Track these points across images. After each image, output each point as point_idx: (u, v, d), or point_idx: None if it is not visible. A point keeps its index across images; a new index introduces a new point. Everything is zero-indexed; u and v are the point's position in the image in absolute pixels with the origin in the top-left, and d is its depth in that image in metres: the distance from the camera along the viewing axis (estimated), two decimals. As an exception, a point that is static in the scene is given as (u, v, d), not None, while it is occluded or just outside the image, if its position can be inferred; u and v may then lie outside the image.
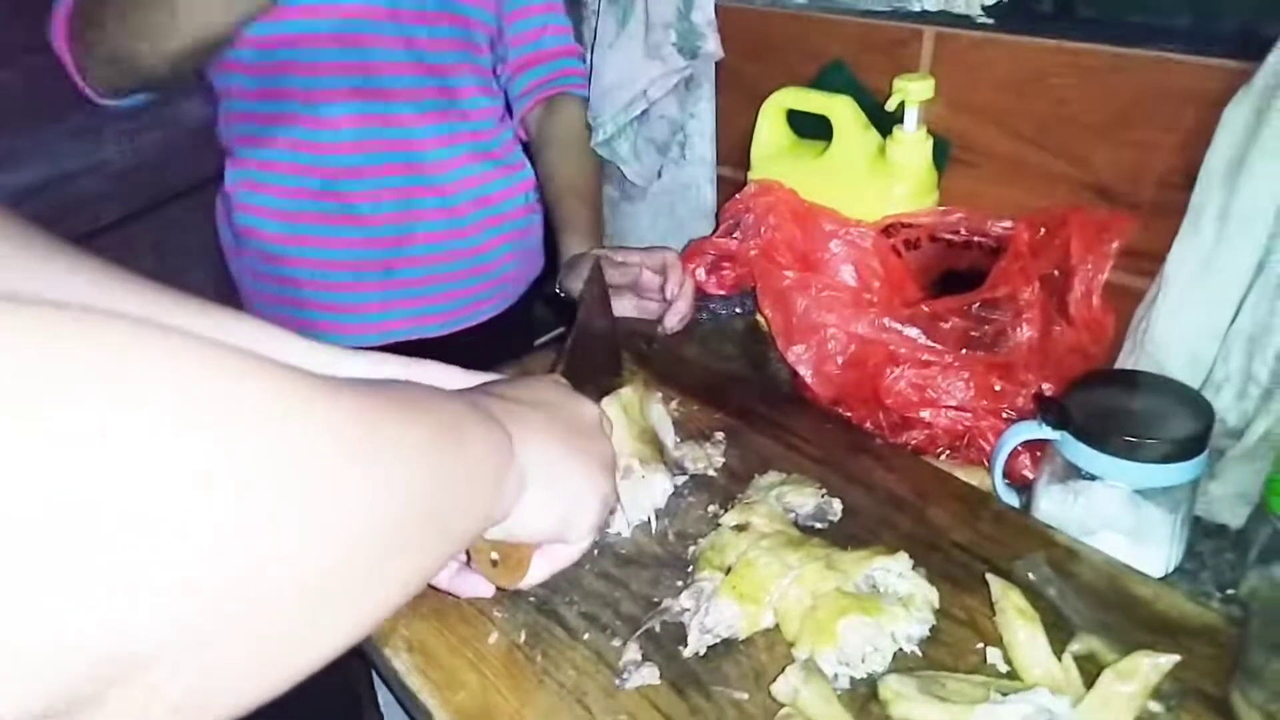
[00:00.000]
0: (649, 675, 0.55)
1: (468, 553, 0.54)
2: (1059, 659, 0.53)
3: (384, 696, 0.82)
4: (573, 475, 0.50)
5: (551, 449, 0.48)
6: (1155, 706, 0.50)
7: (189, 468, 0.23)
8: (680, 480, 0.72)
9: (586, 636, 0.59)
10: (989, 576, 0.58)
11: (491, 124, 1.08)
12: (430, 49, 0.98)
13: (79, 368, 0.21)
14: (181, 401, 0.23)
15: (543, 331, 1.31)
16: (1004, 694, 0.50)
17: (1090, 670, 0.52)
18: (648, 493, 0.68)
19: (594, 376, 0.70)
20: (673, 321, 0.92)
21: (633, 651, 0.57)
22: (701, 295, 0.96)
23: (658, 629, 0.59)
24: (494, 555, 0.52)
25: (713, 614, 0.57)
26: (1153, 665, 0.49)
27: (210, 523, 0.23)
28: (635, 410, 0.71)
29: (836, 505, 0.68)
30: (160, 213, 1.38)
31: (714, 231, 0.95)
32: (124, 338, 0.23)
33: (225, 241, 1.09)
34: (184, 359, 0.24)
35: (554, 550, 0.53)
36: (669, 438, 0.75)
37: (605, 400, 0.67)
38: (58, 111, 1.08)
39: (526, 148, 1.14)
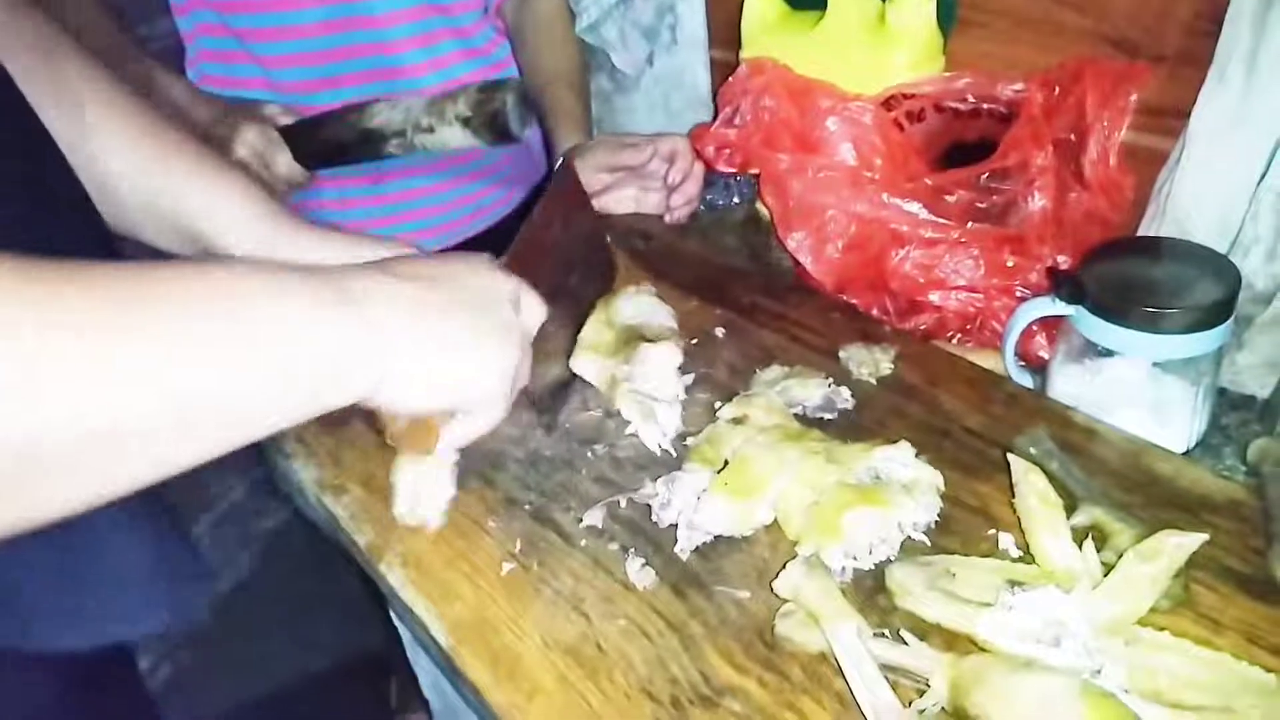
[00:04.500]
0: (647, 578, 0.53)
1: None
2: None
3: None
4: (456, 347, 0.49)
5: (425, 322, 0.48)
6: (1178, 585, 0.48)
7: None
8: (687, 378, 0.69)
9: (583, 543, 0.57)
10: (1010, 458, 0.56)
11: (474, 17, 1.02)
12: None
13: None
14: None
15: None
16: (1014, 583, 0.48)
17: (1095, 540, 0.50)
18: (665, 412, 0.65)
19: (553, 278, 0.65)
20: (679, 201, 0.89)
21: (633, 559, 0.55)
22: (711, 172, 0.92)
23: (622, 504, 0.59)
24: (399, 424, 0.54)
25: (702, 511, 0.55)
26: (1177, 545, 0.47)
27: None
28: (605, 319, 0.69)
29: (845, 393, 0.66)
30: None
31: (712, 120, 0.90)
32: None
33: None
34: None
35: (464, 420, 0.55)
36: (668, 322, 0.72)
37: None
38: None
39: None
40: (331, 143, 0.85)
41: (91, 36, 0.84)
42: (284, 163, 0.86)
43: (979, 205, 0.70)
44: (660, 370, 0.67)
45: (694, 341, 0.73)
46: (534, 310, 0.56)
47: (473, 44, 1.01)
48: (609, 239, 0.80)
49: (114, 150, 0.60)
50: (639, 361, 0.66)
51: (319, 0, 0.90)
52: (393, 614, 0.78)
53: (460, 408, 0.53)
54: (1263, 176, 0.64)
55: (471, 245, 1.05)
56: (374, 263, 0.51)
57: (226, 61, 0.94)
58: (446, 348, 0.49)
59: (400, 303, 0.47)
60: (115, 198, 0.60)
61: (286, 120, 0.88)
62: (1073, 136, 0.72)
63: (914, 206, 0.70)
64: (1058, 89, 0.73)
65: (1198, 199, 0.67)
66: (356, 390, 0.45)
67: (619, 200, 0.92)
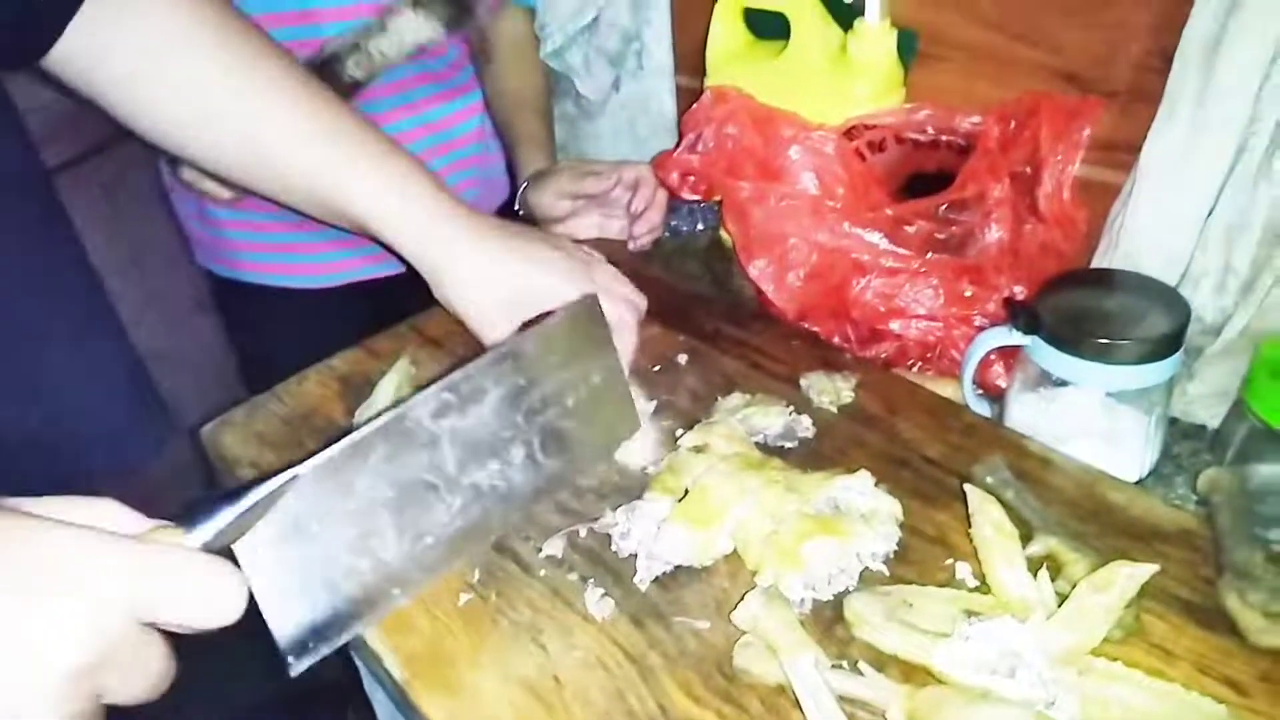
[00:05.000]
0: (605, 609, 0.53)
1: None
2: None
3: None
4: None
5: None
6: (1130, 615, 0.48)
7: None
8: (649, 405, 0.69)
9: (543, 573, 0.56)
10: (967, 488, 0.56)
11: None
12: None
13: None
14: None
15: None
16: (970, 613, 0.48)
17: (1050, 569, 0.51)
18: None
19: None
20: (641, 230, 0.89)
21: (591, 589, 0.55)
22: (674, 199, 0.92)
23: (582, 534, 0.59)
24: None
25: (661, 540, 0.55)
26: (1129, 575, 0.47)
27: None
28: None
29: (805, 421, 0.66)
30: (109, 153, 1.32)
31: (676, 146, 0.90)
32: None
33: (168, 185, 1.03)
34: None
35: None
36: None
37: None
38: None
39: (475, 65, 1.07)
40: None
41: None
42: None
43: (938, 236, 0.71)
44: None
45: (656, 369, 0.73)
46: (182, 603, 0.36)
47: (432, 68, 0.99)
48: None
49: (274, 118, 0.62)
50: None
51: (276, 21, 0.88)
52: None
53: None
54: (1211, 211, 0.66)
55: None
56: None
57: None
58: None
59: None
60: (270, 166, 0.63)
61: None
62: (1028, 169, 0.73)
63: (875, 236, 0.71)
64: (1013, 123, 0.74)
65: (1149, 232, 0.69)
66: None
67: (582, 227, 0.92)
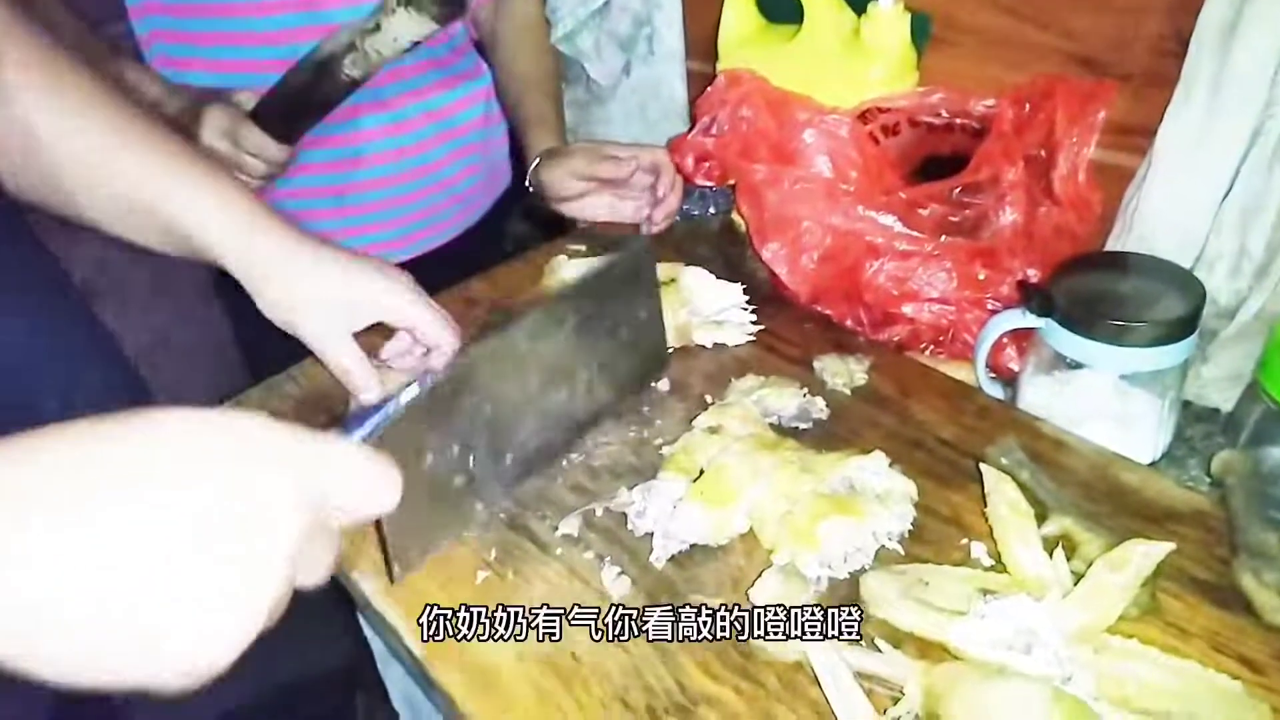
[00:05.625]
0: (622, 587, 0.53)
1: None
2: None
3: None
4: (122, 609, 0.29)
5: (64, 567, 0.28)
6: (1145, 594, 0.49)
7: None
8: (663, 385, 0.70)
9: (559, 552, 0.57)
10: (983, 468, 0.57)
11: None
12: None
13: None
14: None
15: (515, 247, 1.26)
16: (986, 592, 0.48)
17: (1065, 549, 0.51)
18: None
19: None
20: (661, 215, 0.89)
21: (609, 567, 0.55)
22: (689, 185, 0.92)
23: (598, 513, 0.59)
24: None
25: (678, 519, 0.55)
26: (1144, 554, 0.48)
27: None
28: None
29: (820, 403, 0.66)
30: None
31: (689, 130, 0.90)
32: None
33: None
34: None
35: None
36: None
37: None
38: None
39: (481, 50, 1.07)
40: (292, 94, 0.81)
41: (60, 37, 0.83)
42: (253, 138, 0.81)
43: (951, 219, 0.71)
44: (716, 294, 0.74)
45: (669, 350, 0.73)
46: (355, 486, 0.37)
47: (435, 55, 0.99)
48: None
49: (76, 132, 0.57)
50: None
51: (278, 8, 0.88)
52: (364, 624, 0.77)
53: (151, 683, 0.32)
54: (1226, 194, 0.66)
55: (432, 257, 1.03)
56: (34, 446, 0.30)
57: (181, 69, 0.92)
58: (98, 603, 0.29)
59: (20, 528, 0.28)
60: (96, 190, 0.58)
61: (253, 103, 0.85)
62: (1042, 152, 0.73)
63: (888, 219, 0.71)
64: (1028, 106, 0.74)
65: (1163, 215, 0.69)
66: None
67: (593, 207, 0.91)
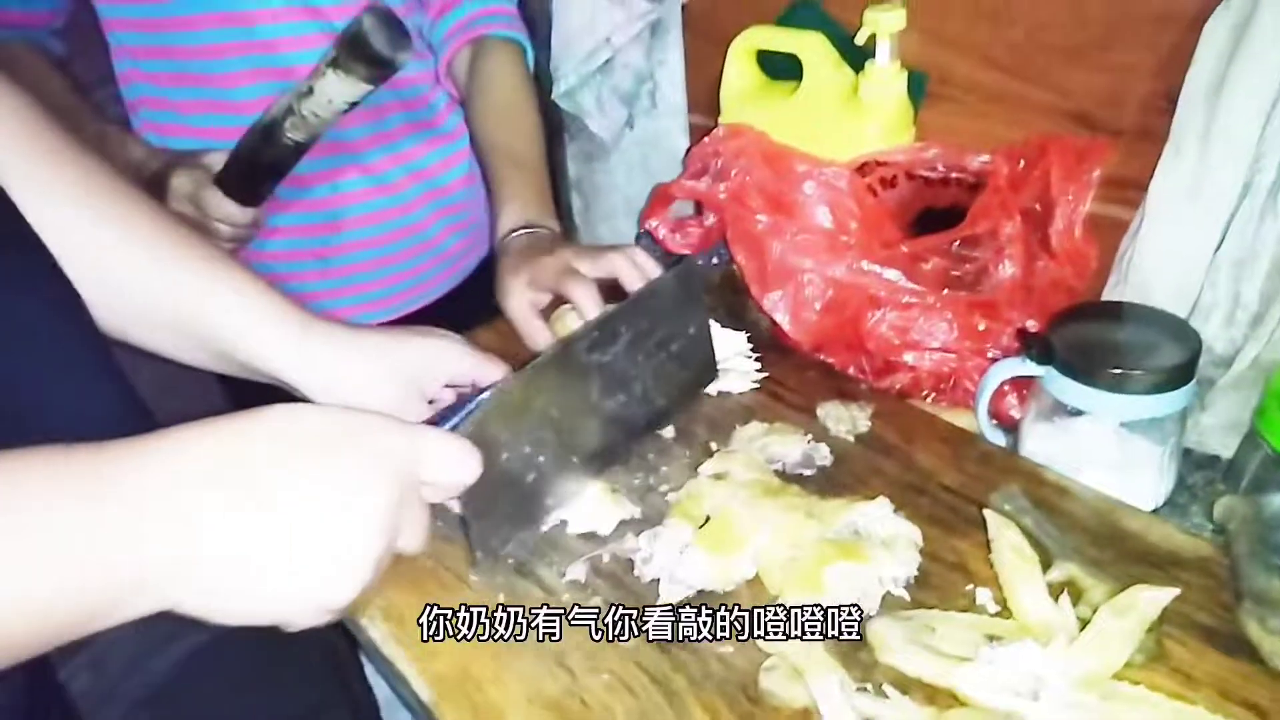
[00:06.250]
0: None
1: None
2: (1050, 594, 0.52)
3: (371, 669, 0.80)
4: (267, 562, 0.39)
5: (233, 534, 0.39)
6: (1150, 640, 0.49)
7: None
8: (668, 431, 0.71)
9: (566, 597, 0.57)
10: (987, 514, 0.57)
11: (422, 90, 0.98)
12: (338, 16, 0.87)
13: None
14: None
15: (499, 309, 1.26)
16: (992, 638, 0.49)
17: (1070, 595, 0.52)
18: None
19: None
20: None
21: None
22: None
23: (605, 558, 0.60)
24: None
25: (684, 565, 0.55)
26: (1150, 600, 0.48)
27: None
28: None
29: (824, 450, 0.67)
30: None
31: (680, 176, 0.92)
32: None
33: None
34: None
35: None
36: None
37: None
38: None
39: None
40: (244, 158, 0.80)
41: (46, 99, 0.83)
42: (214, 201, 0.80)
43: (953, 272, 0.72)
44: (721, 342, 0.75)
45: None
46: (441, 463, 0.47)
47: (419, 117, 0.98)
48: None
49: (117, 249, 0.55)
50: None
51: (256, 77, 0.88)
52: (370, 669, 0.77)
53: (287, 622, 0.43)
54: (1219, 245, 0.67)
55: (417, 319, 1.01)
56: (224, 428, 0.41)
57: (165, 134, 0.92)
58: (259, 556, 0.39)
59: (203, 516, 0.38)
60: (107, 295, 0.54)
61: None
62: (1038, 207, 0.75)
63: (892, 273, 0.73)
64: (1023, 162, 0.76)
65: (1158, 267, 0.70)
66: (139, 607, 0.38)
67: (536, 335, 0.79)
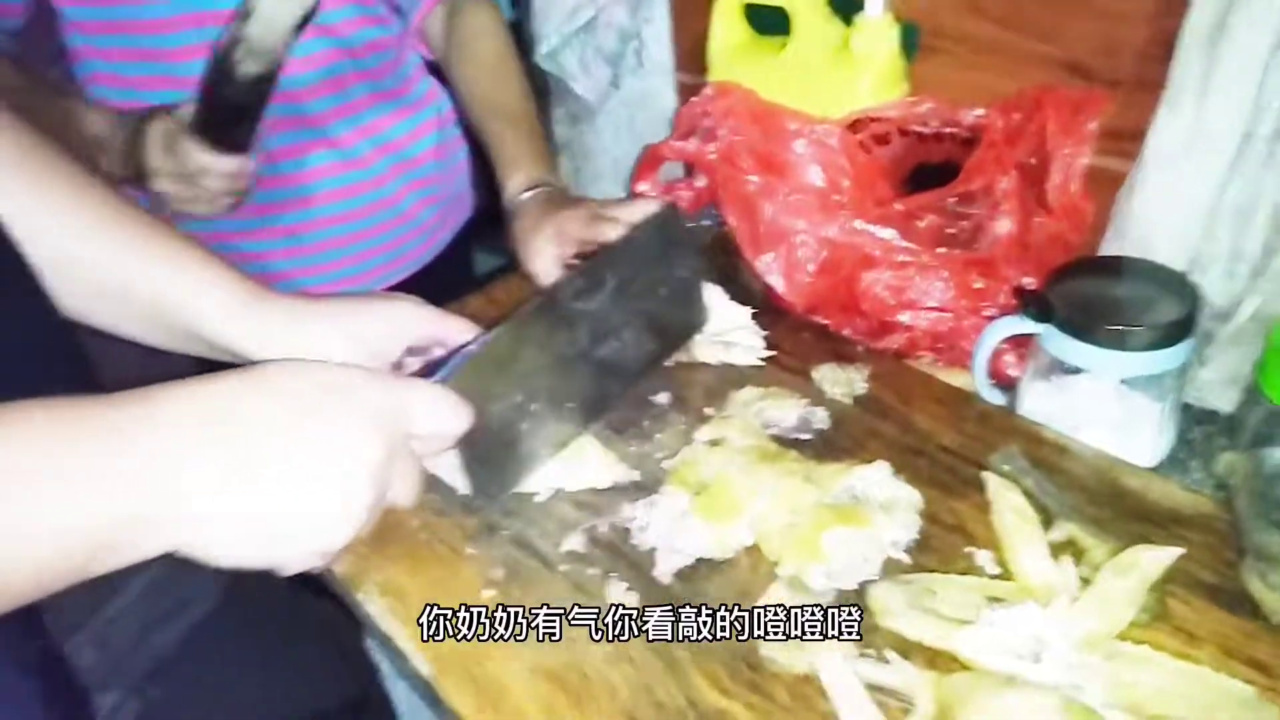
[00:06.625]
0: (628, 601, 0.53)
1: None
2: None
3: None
4: (262, 510, 0.42)
5: (229, 484, 0.41)
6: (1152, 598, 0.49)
7: None
8: (662, 398, 0.70)
9: (564, 568, 0.56)
10: (986, 475, 0.57)
11: (385, 58, 0.94)
12: None
13: None
14: None
15: (509, 260, 1.25)
16: (993, 599, 0.48)
17: (1071, 554, 0.51)
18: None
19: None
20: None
21: (615, 583, 0.55)
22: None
23: (602, 528, 0.59)
24: None
25: (682, 533, 0.55)
26: (1152, 559, 0.48)
27: None
28: None
29: (821, 413, 0.66)
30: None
31: (669, 137, 0.90)
32: None
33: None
34: None
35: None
36: None
37: None
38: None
39: (435, 70, 1.00)
40: (207, 101, 0.76)
41: (4, 83, 0.79)
42: (191, 152, 0.76)
43: (948, 230, 0.71)
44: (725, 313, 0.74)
45: (668, 364, 0.73)
46: (430, 415, 0.49)
47: (382, 87, 0.94)
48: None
49: (71, 233, 0.55)
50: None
51: (200, 51, 0.81)
52: (370, 644, 0.77)
53: (278, 566, 0.45)
54: (1219, 197, 0.66)
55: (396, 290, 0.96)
56: (219, 378, 0.43)
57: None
58: (254, 504, 0.41)
59: (201, 464, 0.40)
60: (67, 281, 0.54)
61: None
62: (1034, 161, 0.74)
63: (886, 232, 0.71)
64: (1018, 115, 0.75)
65: (1156, 220, 0.69)
66: (142, 549, 0.40)
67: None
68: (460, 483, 0.61)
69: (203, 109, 0.77)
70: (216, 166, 0.77)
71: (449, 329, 0.62)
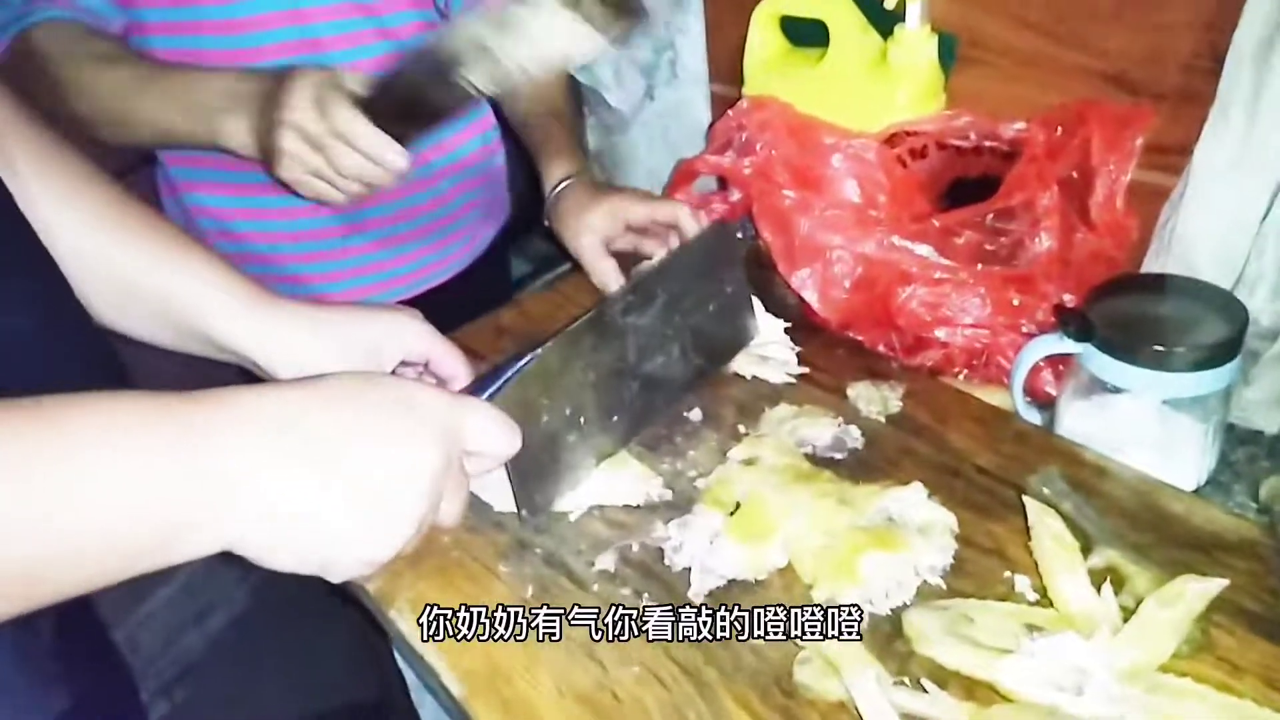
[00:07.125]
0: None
1: None
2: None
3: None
4: (322, 517, 0.42)
5: (294, 490, 0.41)
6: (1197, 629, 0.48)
7: None
8: (695, 414, 0.70)
9: (596, 587, 0.56)
10: (1026, 500, 0.56)
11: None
12: (387, 11, 0.85)
13: None
14: None
15: (537, 266, 1.25)
16: (1032, 628, 0.47)
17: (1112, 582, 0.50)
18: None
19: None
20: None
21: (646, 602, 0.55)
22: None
23: (634, 548, 0.59)
24: None
25: (715, 554, 0.55)
26: (1198, 591, 0.46)
27: None
28: None
29: (855, 432, 0.66)
30: (130, 179, 1.32)
31: (704, 151, 0.90)
32: None
33: (174, 219, 0.97)
34: None
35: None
36: None
37: None
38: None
39: None
40: (404, 89, 0.66)
41: (107, 56, 0.78)
42: (356, 123, 0.67)
43: (987, 246, 0.70)
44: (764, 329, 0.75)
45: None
46: (483, 435, 0.49)
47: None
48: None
49: (75, 231, 0.56)
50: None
51: (275, 52, 0.83)
52: (399, 659, 0.77)
53: (326, 573, 0.45)
54: (1266, 214, 0.64)
55: (436, 294, 1.00)
56: (274, 391, 0.44)
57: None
58: (315, 511, 0.42)
59: (260, 472, 0.41)
60: (76, 274, 0.55)
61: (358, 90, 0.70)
62: (1076, 175, 0.73)
63: (923, 248, 0.71)
64: (1060, 129, 0.73)
65: (1202, 236, 0.68)
66: (202, 545, 0.40)
67: (604, 274, 0.85)
68: (497, 499, 0.61)
69: (391, 93, 0.68)
70: (368, 138, 0.68)
71: (442, 354, 0.63)
